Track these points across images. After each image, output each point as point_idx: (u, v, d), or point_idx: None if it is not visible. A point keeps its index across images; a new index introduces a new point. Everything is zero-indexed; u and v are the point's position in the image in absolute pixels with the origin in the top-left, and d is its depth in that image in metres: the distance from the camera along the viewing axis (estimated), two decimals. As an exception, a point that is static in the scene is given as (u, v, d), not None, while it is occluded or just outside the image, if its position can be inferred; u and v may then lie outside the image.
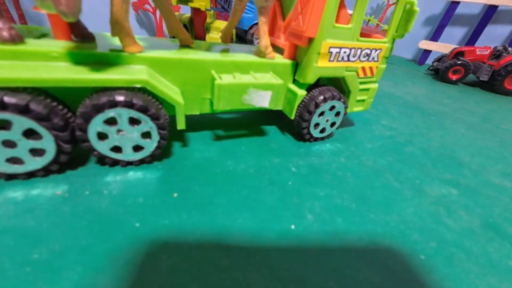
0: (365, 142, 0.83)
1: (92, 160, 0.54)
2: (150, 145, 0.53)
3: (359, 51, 0.65)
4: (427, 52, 2.57)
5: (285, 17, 0.74)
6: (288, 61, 0.66)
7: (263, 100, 0.60)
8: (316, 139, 0.76)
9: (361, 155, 0.74)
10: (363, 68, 0.69)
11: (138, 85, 0.47)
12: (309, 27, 0.57)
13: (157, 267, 0.36)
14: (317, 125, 0.73)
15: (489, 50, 1.92)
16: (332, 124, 0.76)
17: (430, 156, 0.81)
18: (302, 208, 0.51)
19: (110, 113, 0.46)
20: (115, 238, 0.39)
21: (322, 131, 0.75)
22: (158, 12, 1.84)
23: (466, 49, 1.98)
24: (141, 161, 0.55)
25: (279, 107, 0.70)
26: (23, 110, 0.40)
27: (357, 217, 0.51)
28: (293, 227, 0.46)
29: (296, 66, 0.68)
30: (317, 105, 0.67)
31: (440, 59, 2.12)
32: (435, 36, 2.50)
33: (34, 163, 0.45)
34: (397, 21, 0.64)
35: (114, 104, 0.45)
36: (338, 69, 0.66)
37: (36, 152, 0.45)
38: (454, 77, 1.97)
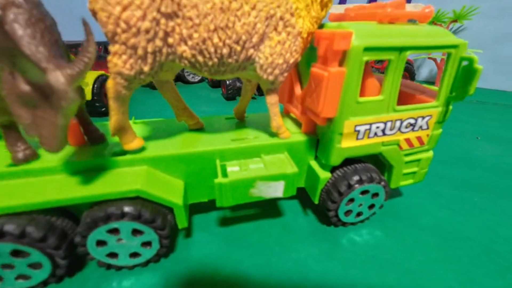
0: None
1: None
2: (149, 254, 0.52)
3: (398, 122, 0.56)
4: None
5: (303, 85, 0.65)
6: (305, 138, 0.60)
7: (275, 191, 0.54)
8: (344, 223, 0.67)
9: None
10: (407, 140, 0.60)
11: (132, 195, 0.46)
12: (325, 108, 0.50)
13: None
14: (349, 211, 0.65)
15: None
16: (371, 206, 0.67)
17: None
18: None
19: (113, 224, 0.46)
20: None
21: (359, 214, 0.67)
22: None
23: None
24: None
25: (295, 192, 0.58)
26: (20, 236, 0.44)
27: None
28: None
29: (317, 141, 0.61)
30: (341, 193, 0.59)
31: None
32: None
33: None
34: (451, 80, 0.54)
35: (120, 216, 0.46)
36: (372, 146, 0.57)
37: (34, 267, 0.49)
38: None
